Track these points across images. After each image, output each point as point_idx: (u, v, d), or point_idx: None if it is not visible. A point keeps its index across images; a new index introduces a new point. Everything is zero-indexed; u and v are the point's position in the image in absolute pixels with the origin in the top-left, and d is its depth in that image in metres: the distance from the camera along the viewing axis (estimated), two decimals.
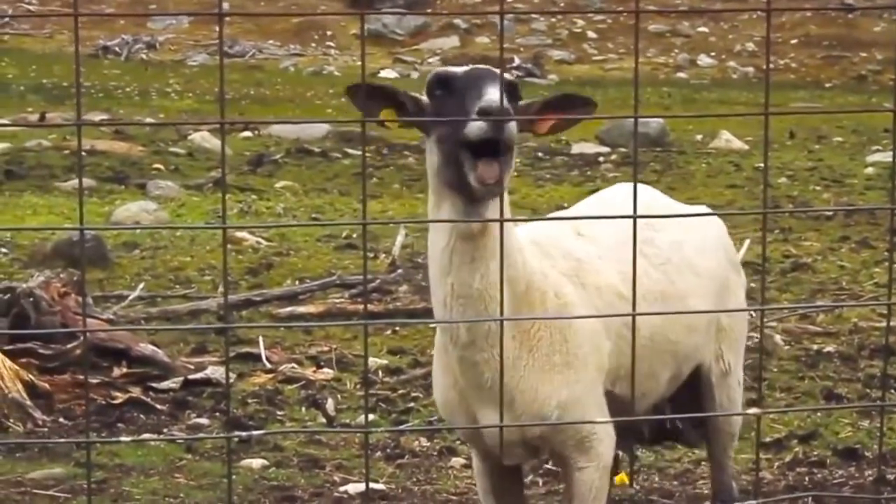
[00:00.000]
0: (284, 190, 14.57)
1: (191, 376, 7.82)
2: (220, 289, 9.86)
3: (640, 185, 5.10)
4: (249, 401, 7.61)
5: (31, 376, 7.36)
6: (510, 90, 3.84)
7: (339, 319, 9.30)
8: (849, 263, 11.13)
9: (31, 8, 31.71)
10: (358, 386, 7.87)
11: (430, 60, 30.32)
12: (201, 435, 7.11)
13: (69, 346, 7.69)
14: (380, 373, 8.13)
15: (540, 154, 16.96)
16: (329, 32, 32.43)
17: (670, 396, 4.83)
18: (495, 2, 34.04)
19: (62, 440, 6.94)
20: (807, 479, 6.55)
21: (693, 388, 4.92)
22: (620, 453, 4.93)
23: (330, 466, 6.69)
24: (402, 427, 7.14)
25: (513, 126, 3.74)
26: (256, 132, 18.53)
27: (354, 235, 11.90)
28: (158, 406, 7.47)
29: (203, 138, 17.33)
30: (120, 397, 7.50)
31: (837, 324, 9.23)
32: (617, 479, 5.05)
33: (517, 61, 28.49)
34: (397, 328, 9.08)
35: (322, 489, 6.41)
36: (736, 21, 33.20)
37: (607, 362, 4.26)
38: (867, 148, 17.90)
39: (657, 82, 27.33)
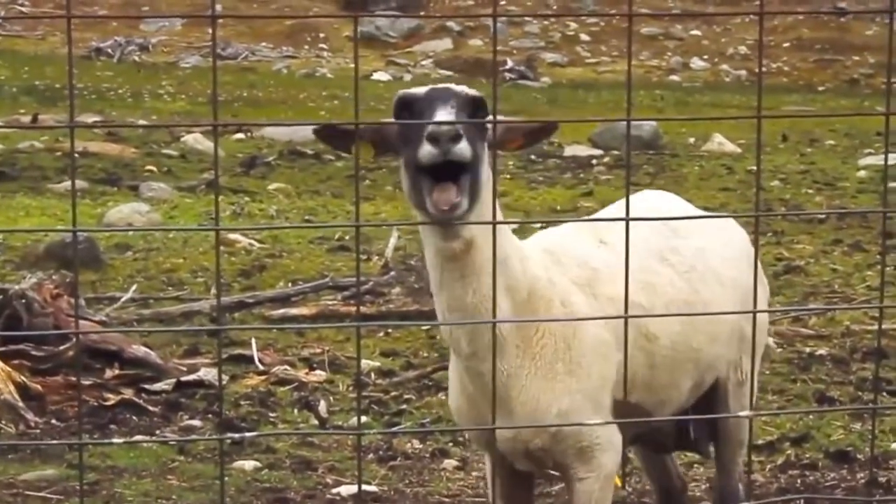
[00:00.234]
0: (277, 192, 14.56)
1: (183, 378, 7.80)
2: (213, 290, 9.84)
3: (662, 193, 5.08)
4: (242, 402, 7.61)
5: (23, 378, 7.34)
6: (474, 107, 3.71)
7: (331, 321, 9.29)
8: (841, 266, 11.14)
9: (23, 9, 31.69)
10: (350, 388, 7.87)
11: (423, 63, 30.34)
12: (194, 437, 7.10)
13: (61, 347, 7.67)
14: (372, 375, 8.13)
15: (533, 157, 16.96)
16: (322, 35, 32.44)
17: (692, 405, 4.75)
18: (488, 4, 34.06)
19: (54, 442, 6.92)
20: (799, 481, 6.55)
21: (709, 398, 4.84)
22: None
23: (322, 468, 6.68)
24: (394, 429, 7.13)
25: (463, 147, 3.57)
26: (249, 134, 18.53)
27: (347, 237, 11.89)
28: (151, 408, 7.46)
29: (196, 140, 17.33)
30: (112, 399, 7.49)
31: (830, 327, 9.24)
32: None
33: (510, 64, 28.53)
34: (390, 330, 9.07)
35: (314, 491, 6.41)
36: (729, 24, 33.26)
37: (615, 372, 4.15)
38: (859, 151, 17.94)
39: (650, 85, 27.37)
